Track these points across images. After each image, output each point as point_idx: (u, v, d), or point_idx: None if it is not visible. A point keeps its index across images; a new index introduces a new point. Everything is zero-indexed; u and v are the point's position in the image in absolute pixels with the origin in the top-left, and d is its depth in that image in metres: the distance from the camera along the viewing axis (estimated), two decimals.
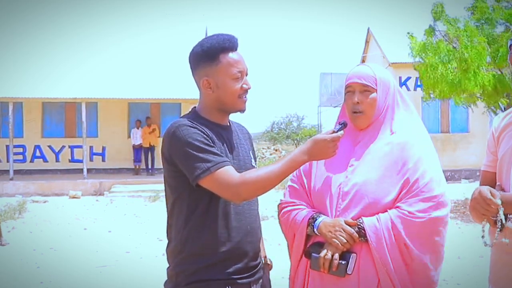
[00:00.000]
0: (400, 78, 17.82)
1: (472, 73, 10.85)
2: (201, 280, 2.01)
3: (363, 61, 21.71)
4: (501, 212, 1.88)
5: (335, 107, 25.37)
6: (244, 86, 2.11)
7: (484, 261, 2.24)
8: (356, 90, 2.19)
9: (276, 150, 28.94)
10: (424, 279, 2.08)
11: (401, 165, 2.10)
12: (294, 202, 2.23)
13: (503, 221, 1.90)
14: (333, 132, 2.03)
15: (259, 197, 2.15)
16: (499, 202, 1.88)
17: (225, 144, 2.10)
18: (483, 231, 1.98)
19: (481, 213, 1.94)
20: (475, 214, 1.98)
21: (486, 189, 1.93)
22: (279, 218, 2.29)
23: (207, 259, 2.02)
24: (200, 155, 1.96)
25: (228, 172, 1.96)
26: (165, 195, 2.14)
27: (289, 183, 2.33)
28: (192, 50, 2.12)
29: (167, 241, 2.15)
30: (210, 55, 2.07)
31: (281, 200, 2.30)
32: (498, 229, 1.92)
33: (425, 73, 11.68)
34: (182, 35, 17.57)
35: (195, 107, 2.20)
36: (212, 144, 2.02)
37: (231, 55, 2.08)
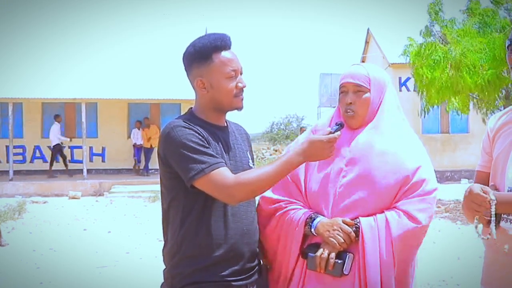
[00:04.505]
0: (400, 78, 17.80)
1: (466, 70, 10.79)
2: (197, 282, 1.99)
3: (363, 61, 21.70)
4: (493, 207, 1.85)
5: (334, 107, 25.19)
6: (239, 84, 2.09)
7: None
8: (349, 90, 2.18)
9: (276, 151, 28.93)
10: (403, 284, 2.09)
11: (398, 167, 2.10)
12: (288, 201, 2.18)
13: (493, 216, 1.86)
14: (330, 132, 2.01)
15: (257, 198, 2.14)
16: (492, 197, 1.85)
17: (221, 145, 2.08)
18: (476, 227, 1.94)
19: (474, 210, 1.90)
20: (468, 213, 1.95)
21: (477, 186, 1.90)
22: (267, 213, 2.19)
23: (202, 261, 2.00)
24: (195, 156, 1.94)
25: (223, 173, 1.94)
26: (161, 196, 2.13)
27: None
28: (185, 50, 2.10)
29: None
30: (203, 54, 2.05)
31: (273, 199, 2.20)
32: (493, 225, 1.87)
33: (420, 77, 11.63)
34: (182, 35, 17.54)
35: (191, 107, 2.19)
36: (207, 145, 1.99)
37: (224, 53, 2.06)
